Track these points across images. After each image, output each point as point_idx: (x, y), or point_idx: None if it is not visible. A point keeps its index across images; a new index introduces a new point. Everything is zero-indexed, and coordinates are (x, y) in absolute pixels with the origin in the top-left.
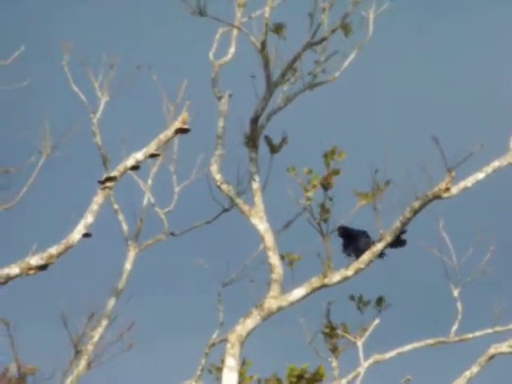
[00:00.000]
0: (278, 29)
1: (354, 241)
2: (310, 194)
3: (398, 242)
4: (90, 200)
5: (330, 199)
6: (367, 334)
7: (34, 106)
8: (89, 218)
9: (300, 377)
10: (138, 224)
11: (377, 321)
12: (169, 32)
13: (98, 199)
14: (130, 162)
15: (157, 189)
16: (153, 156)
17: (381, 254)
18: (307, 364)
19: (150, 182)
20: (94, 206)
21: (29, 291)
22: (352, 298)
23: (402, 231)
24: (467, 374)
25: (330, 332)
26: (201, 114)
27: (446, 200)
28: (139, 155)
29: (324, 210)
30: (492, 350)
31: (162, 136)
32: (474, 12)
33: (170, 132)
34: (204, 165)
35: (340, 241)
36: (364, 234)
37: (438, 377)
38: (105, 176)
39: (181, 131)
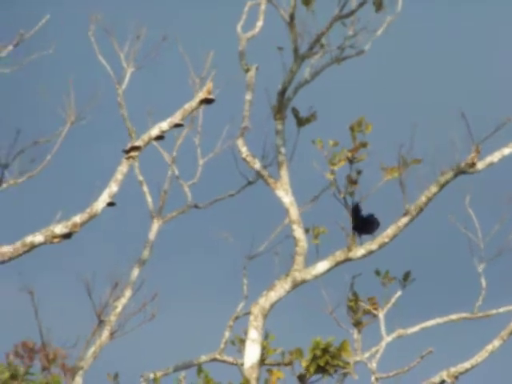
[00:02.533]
0: (307, 1)
1: (364, 225)
2: (336, 167)
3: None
4: (114, 169)
5: (359, 172)
6: (389, 306)
7: (59, 75)
8: (113, 187)
9: (325, 350)
10: (162, 196)
11: (399, 293)
12: (197, 4)
13: (123, 168)
14: (155, 131)
15: (181, 161)
16: (177, 126)
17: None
18: (332, 338)
19: (174, 154)
20: (119, 175)
21: (53, 259)
22: (378, 273)
23: (369, 215)
24: (489, 347)
25: (354, 305)
26: (227, 86)
27: (472, 175)
28: (164, 125)
29: (351, 182)
30: None
31: (187, 106)
32: None
33: (194, 102)
34: (229, 138)
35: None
36: (372, 218)
37: (460, 350)
38: (129, 145)
39: (206, 101)
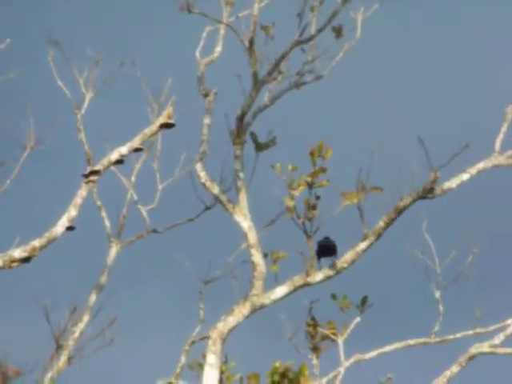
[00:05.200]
0: (266, 27)
1: (323, 250)
2: (295, 192)
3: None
4: (73, 193)
5: (317, 198)
6: (348, 332)
7: (18, 99)
8: (72, 212)
9: (283, 375)
10: (120, 221)
11: (358, 319)
12: (156, 28)
13: (82, 192)
14: (115, 155)
15: (140, 186)
16: (137, 150)
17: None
18: (291, 362)
19: (133, 179)
20: (78, 200)
21: (12, 284)
22: (335, 297)
23: (325, 238)
24: (447, 373)
25: (313, 330)
26: (186, 112)
27: (430, 201)
28: (123, 149)
29: (310, 207)
30: (473, 350)
31: (147, 130)
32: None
33: (154, 126)
34: (187, 163)
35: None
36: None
37: (419, 376)
38: (89, 169)
39: (166, 126)
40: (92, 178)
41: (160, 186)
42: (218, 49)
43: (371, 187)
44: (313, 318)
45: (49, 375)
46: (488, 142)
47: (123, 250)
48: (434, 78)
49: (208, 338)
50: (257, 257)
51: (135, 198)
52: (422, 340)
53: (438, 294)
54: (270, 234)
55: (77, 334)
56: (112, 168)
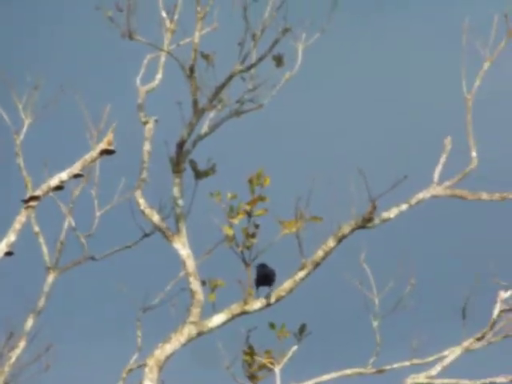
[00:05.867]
0: (207, 55)
1: (261, 278)
2: (234, 220)
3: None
4: (12, 219)
5: (257, 226)
6: (285, 360)
7: None
8: (11, 237)
9: None
10: (58, 247)
11: (295, 347)
12: (97, 54)
13: (21, 218)
14: (54, 181)
15: (78, 213)
16: (77, 176)
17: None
18: None
19: (71, 205)
20: (17, 225)
21: None
22: (272, 326)
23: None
24: None
25: (250, 358)
26: (125, 139)
27: (369, 231)
28: (63, 175)
29: (248, 237)
30: (409, 381)
31: (88, 156)
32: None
33: (95, 153)
34: (126, 189)
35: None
36: (269, 270)
37: None
38: (28, 195)
39: (106, 152)
40: (31, 203)
41: (98, 213)
42: (159, 76)
43: (310, 216)
44: (250, 347)
45: None
46: (427, 174)
47: (61, 277)
48: (375, 108)
49: (145, 365)
50: (195, 285)
51: (73, 224)
52: (358, 370)
53: (375, 324)
54: (209, 262)
55: (13, 360)
56: (50, 194)
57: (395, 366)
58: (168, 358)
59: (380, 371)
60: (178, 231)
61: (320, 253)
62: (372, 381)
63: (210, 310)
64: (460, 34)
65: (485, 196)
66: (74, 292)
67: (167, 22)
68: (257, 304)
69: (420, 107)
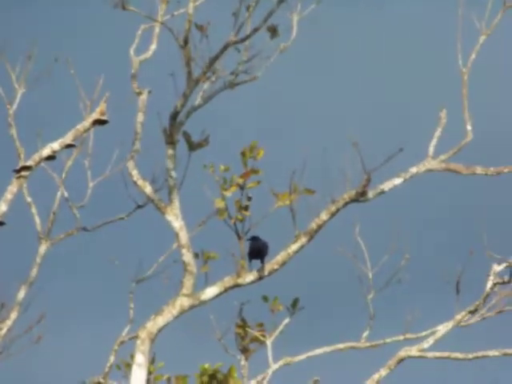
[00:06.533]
0: (201, 26)
1: (254, 251)
2: (227, 193)
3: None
4: (4, 189)
5: (249, 199)
6: (277, 333)
7: None
8: (2, 207)
9: (212, 376)
10: (50, 218)
11: (287, 320)
12: (90, 25)
13: (13, 188)
14: (46, 151)
15: (71, 183)
16: (69, 146)
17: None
18: (220, 364)
19: (63, 175)
20: (8, 195)
21: None
22: (266, 299)
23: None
24: (376, 376)
25: (242, 331)
26: (119, 109)
27: (363, 205)
28: (55, 145)
29: (241, 209)
30: (402, 353)
31: (80, 126)
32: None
33: (87, 123)
34: (119, 161)
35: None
36: (262, 242)
37: (348, 379)
38: (20, 165)
39: (98, 122)
40: (23, 173)
41: (91, 184)
42: (153, 47)
43: (304, 189)
44: (243, 320)
45: None
46: (422, 147)
47: (53, 247)
48: (370, 80)
49: (137, 337)
50: (188, 257)
51: (66, 195)
52: (351, 344)
53: (369, 298)
54: (202, 235)
55: (4, 331)
56: (43, 165)
57: (388, 340)
58: (160, 330)
59: (373, 346)
60: (170, 203)
61: (313, 226)
62: (365, 354)
63: (203, 282)
64: (456, 8)
65: (479, 170)
66: (67, 263)
67: None
68: (249, 277)
69: (416, 80)
